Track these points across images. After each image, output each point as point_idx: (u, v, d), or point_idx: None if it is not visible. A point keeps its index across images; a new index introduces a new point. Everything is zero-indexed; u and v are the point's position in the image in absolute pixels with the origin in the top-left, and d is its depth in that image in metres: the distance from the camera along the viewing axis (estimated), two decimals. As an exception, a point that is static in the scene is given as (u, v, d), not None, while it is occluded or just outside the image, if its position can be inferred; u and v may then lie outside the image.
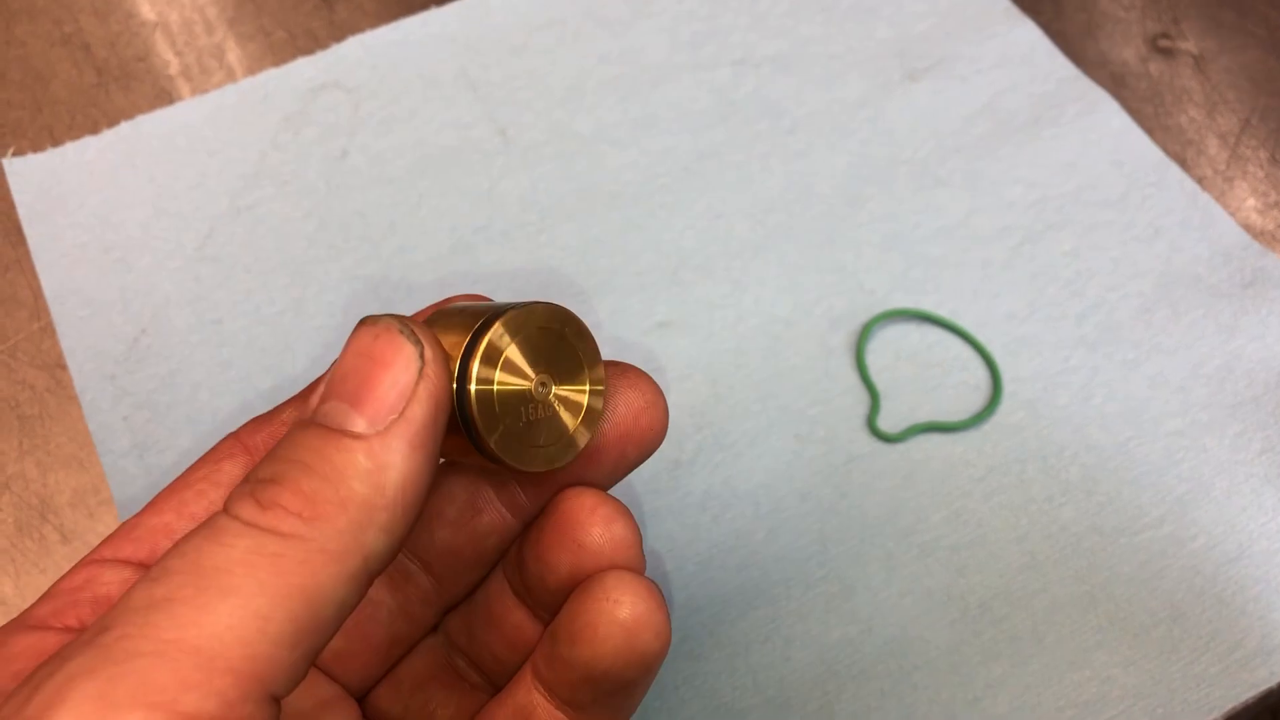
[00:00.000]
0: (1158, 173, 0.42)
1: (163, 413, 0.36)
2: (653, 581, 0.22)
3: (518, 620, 0.24)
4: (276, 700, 0.16)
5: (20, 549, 0.34)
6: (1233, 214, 0.41)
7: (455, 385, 0.20)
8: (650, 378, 0.23)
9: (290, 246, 0.40)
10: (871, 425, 0.36)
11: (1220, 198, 0.42)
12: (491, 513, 0.24)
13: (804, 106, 0.44)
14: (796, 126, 0.43)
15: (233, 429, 0.23)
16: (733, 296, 0.39)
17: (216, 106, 0.44)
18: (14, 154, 0.42)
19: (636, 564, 0.22)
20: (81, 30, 0.46)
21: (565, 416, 0.22)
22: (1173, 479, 0.35)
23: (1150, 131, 0.43)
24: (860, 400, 0.37)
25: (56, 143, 0.43)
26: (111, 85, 0.44)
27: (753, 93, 0.44)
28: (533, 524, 0.24)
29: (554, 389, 0.21)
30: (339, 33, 0.46)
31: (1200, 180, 0.42)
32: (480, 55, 0.45)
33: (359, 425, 0.18)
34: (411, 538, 0.24)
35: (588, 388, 0.22)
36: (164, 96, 0.44)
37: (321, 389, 0.19)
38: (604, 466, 0.23)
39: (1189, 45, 0.46)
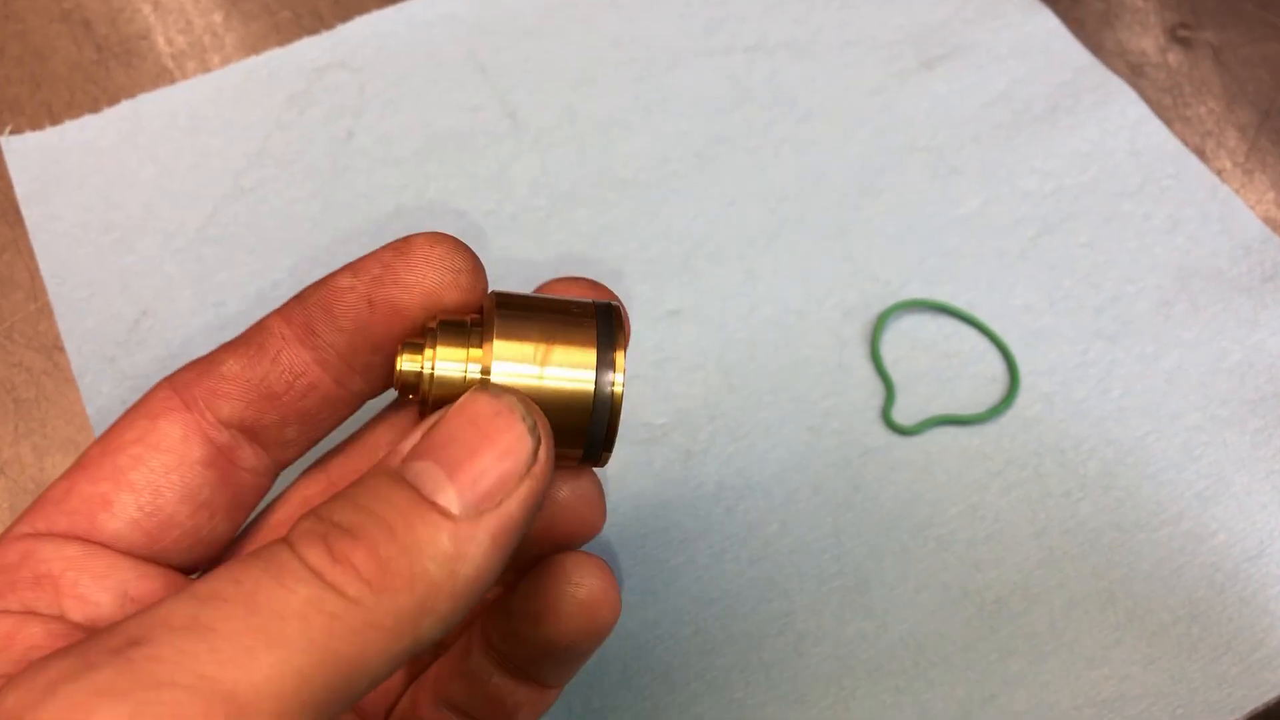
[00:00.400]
0: (1176, 164, 0.41)
1: (163, 397, 0.36)
2: (601, 559, 0.23)
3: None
4: None
5: (16, 534, 0.34)
6: (1252, 207, 0.40)
7: (594, 390, 0.20)
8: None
9: (294, 228, 0.39)
10: (886, 417, 0.36)
11: (1240, 190, 0.41)
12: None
13: (818, 94, 0.43)
14: (810, 114, 0.43)
15: None
16: (745, 285, 0.38)
17: (220, 85, 0.43)
18: (12, 132, 0.41)
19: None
20: (81, 6, 0.45)
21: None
22: (1192, 474, 0.35)
23: (1169, 122, 0.43)
24: (875, 392, 0.36)
25: (55, 121, 0.42)
26: (112, 62, 0.43)
27: (766, 79, 0.43)
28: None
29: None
30: (345, 12, 0.45)
31: (1219, 172, 0.41)
32: (490, 37, 0.44)
33: (450, 500, 0.17)
34: None
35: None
36: (166, 75, 0.43)
37: (416, 438, 0.18)
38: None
39: (1208, 35, 0.45)
